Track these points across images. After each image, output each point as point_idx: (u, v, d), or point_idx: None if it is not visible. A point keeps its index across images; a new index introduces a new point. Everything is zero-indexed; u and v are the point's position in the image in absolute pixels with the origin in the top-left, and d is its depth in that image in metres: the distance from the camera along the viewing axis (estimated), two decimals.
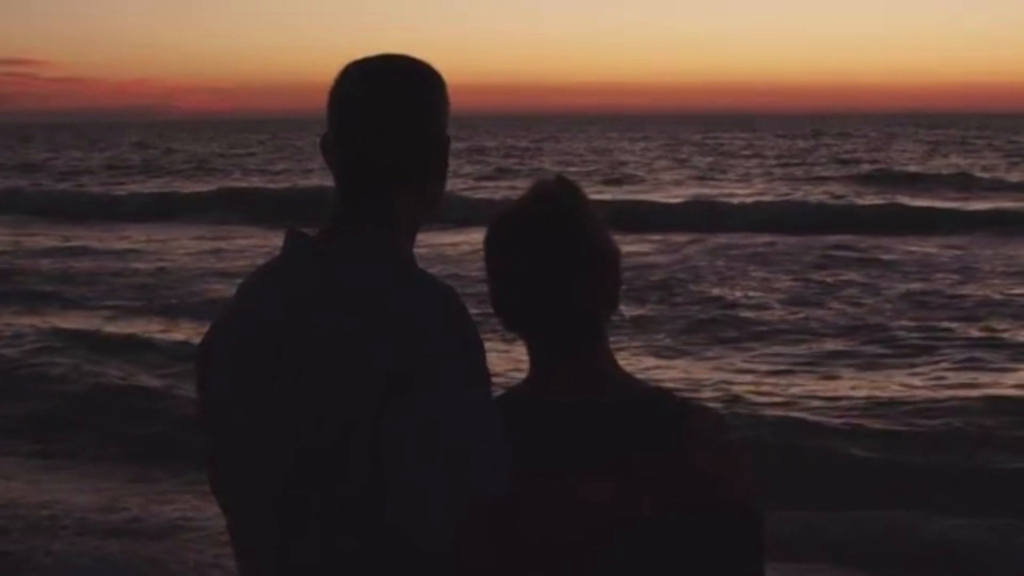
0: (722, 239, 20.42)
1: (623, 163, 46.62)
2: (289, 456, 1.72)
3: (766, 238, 20.39)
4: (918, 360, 10.72)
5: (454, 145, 1.89)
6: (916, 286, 15.34)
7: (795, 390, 9.53)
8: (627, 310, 12.89)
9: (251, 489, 1.78)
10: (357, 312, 1.68)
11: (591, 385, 1.80)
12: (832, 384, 9.85)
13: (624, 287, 1.87)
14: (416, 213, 1.84)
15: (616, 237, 1.85)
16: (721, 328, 12.42)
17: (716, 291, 15.17)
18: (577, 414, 1.77)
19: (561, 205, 1.82)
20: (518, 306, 1.81)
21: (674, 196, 29.49)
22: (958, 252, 18.80)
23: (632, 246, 18.34)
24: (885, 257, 18.25)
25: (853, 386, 9.68)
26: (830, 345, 11.46)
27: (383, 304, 1.68)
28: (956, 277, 16.21)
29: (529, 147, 61.62)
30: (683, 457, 1.70)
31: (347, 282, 1.72)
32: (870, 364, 10.59)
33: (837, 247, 19.17)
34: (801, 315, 13.22)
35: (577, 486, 1.69)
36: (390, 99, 1.79)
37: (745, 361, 10.85)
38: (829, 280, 15.93)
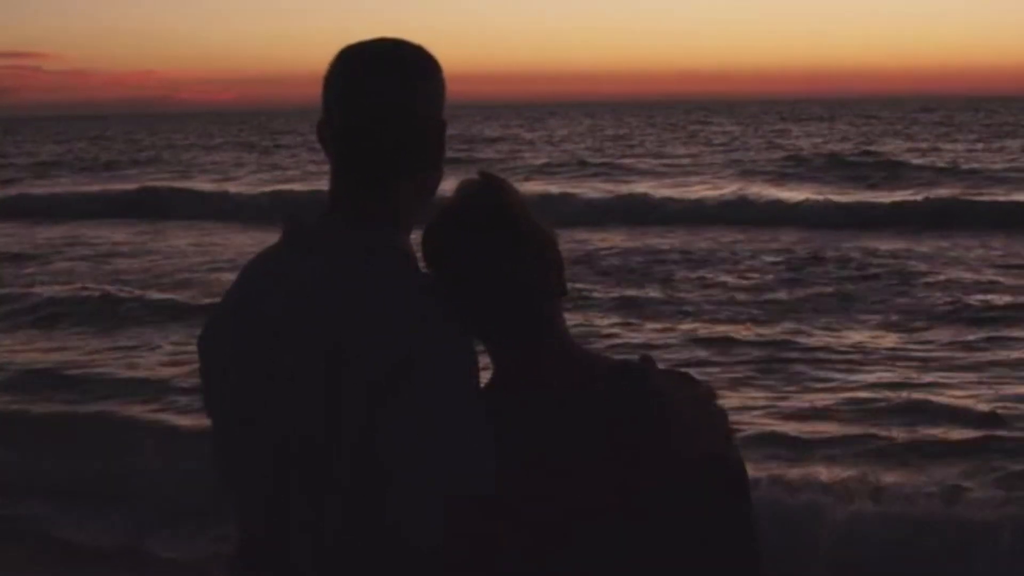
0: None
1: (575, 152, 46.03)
2: (282, 450, 1.73)
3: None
4: None
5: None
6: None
7: None
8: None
9: (247, 481, 1.81)
10: (352, 310, 1.68)
11: (554, 373, 1.81)
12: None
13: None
14: (412, 202, 1.83)
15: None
16: None
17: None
18: (546, 404, 1.78)
19: (488, 202, 1.82)
20: (466, 309, 1.79)
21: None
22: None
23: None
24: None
25: None
26: None
27: (377, 302, 1.68)
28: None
29: (498, 137, 60.99)
30: (655, 424, 1.70)
31: (342, 279, 1.72)
32: None
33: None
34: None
35: (560, 472, 1.68)
36: (382, 84, 1.77)
37: None
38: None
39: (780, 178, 30.52)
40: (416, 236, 1.87)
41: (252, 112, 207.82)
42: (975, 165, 31.92)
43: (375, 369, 1.65)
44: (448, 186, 1.88)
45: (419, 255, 1.84)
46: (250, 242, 18.87)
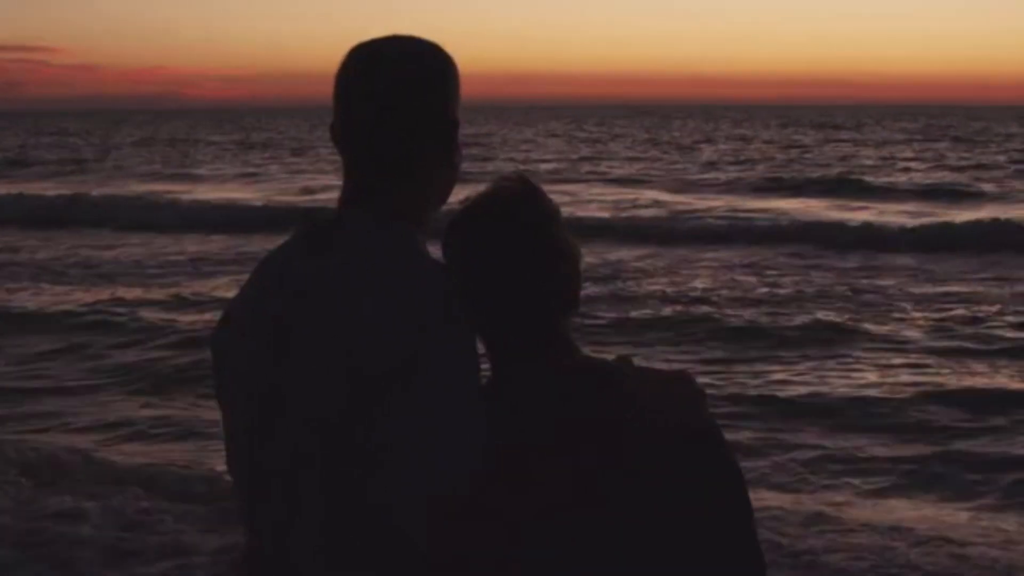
0: None
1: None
2: (286, 448, 1.74)
3: None
4: None
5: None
6: None
7: None
8: None
9: (252, 479, 1.81)
10: (356, 308, 1.68)
11: (549, 380, 1.79)
12: None
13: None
14: (423, 200, 1.82)
15: None
16: None
17: None
18: (535, 408, 1.77)
19: (520, 205, 1.80)
20: (478, 307, 1.77)
21: None
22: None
23: None
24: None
25: None
26: None
27: (381, 301, 1.68)
28: None
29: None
30: (624, 400, 1.72)
31: (346, 277, 1.71)
32: None
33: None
34: None
35: (538, 471, 1.69)
36: (393, 82, 1.76)
37: None
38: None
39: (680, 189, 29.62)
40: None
41: (261, 110, 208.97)
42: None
43: (376, 367, 1.64)
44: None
45: (438, 250, 1.80)
46: None
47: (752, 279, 15.05)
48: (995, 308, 12.59)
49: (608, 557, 1.71)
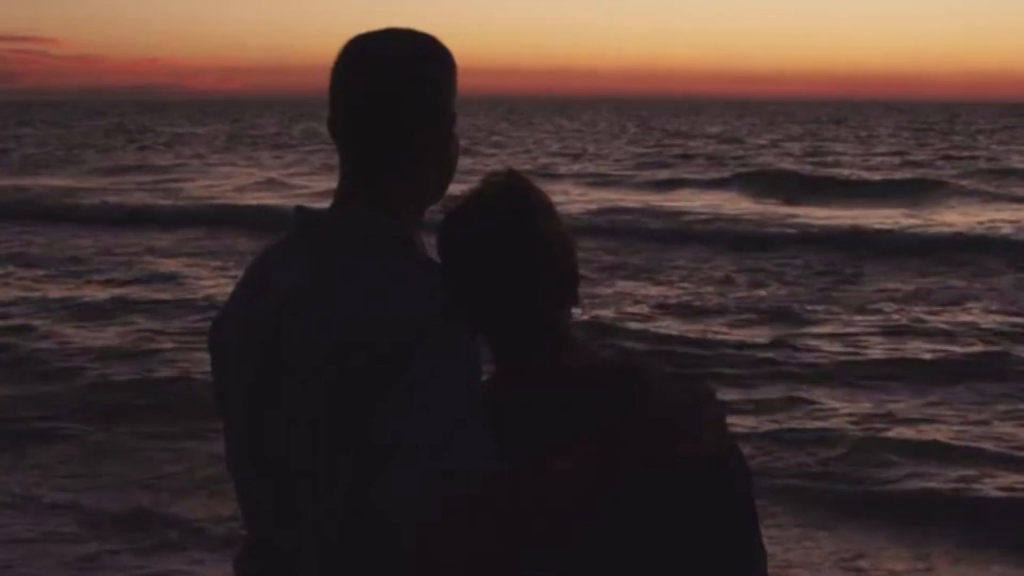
0: None
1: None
2: (284, 443, 1.74)
3: None
4: None
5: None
6: None
7: None
8: None
9: (252, 475, 1.82)
10: (352, 301, 1.67)
11: (554, 374, 1.78)
12: None
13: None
14: (420, 194, 1.82)
15: None
16: None
17: None
18: (544, 404, 1.75)
19: (510, 199, 1.80)
20: (474, 305, 1.76)
21: None
22: None
23: None
24: None
25: None
26: None
27: (378, 293, 1.67)
28: None
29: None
30: (637, 415, 1.67)
31: (342, 270, 1.71)
32: None
33: None
34: None
35: (545, 463, 1.65)
36: (390, 76, 1.76)
37: None
38: None
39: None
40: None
41: (261, 102, 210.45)
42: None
43: (375, 365, 1.63)
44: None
45: (432, 245, 1.79)
46: None
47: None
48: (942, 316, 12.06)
49: (607, 560, 1.69)
